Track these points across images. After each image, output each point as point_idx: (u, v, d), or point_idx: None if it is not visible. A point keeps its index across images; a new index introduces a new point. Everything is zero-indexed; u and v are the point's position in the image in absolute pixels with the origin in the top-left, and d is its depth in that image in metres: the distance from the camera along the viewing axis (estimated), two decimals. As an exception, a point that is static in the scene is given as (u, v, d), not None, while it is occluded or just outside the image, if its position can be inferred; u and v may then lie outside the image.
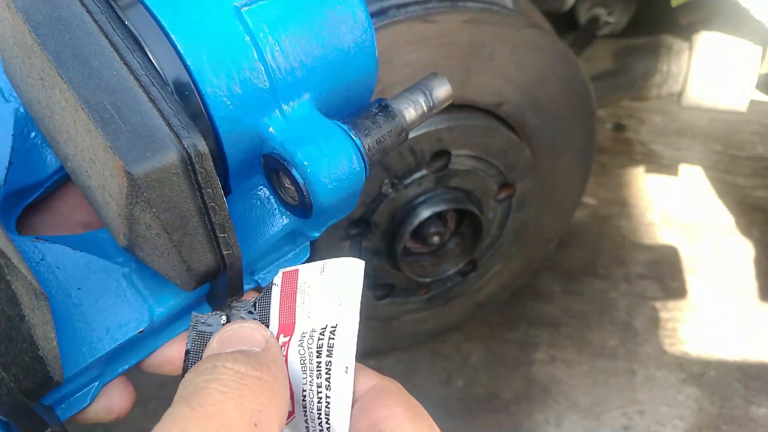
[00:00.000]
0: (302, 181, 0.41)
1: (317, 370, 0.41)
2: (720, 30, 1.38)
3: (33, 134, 0.47)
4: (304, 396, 0.41)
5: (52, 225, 0.49)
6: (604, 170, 2.11)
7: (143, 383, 1.55)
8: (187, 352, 0.43)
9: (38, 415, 0.39)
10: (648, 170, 2.13)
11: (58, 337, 0.39)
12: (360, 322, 0.43)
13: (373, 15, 0.88)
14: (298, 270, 0.42)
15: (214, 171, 0.37)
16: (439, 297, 1.18)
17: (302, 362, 0.41)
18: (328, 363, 0.41)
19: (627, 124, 2.35)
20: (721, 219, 1.93)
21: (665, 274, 1.74)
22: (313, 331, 0.41)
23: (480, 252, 1.14)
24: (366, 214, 0.98)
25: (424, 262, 1.11)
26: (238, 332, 0.40)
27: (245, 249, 0.44)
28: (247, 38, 0.40)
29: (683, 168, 2.14)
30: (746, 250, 1.81)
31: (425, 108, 0.47)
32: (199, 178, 0.37)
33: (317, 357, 0.41)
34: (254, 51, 0.40)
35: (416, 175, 0.97)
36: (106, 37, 0.37)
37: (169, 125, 0.36)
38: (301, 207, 0.43)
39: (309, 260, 1.00)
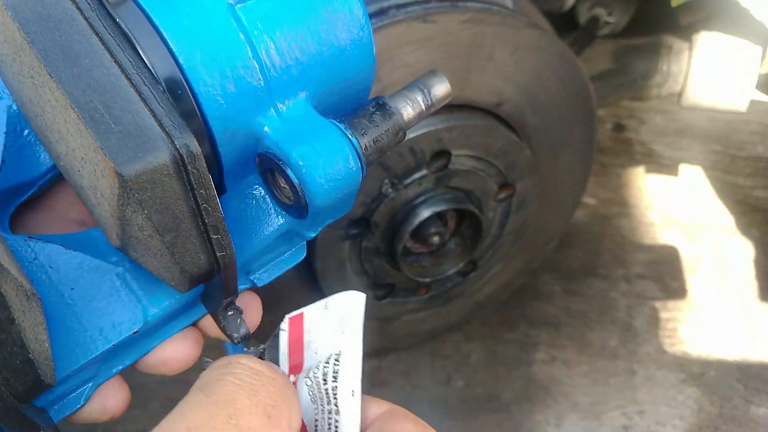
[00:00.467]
0: (297, 182, 0.41)
1: (326, 397, 0.41)
2: (720, 30, 1.39)
3: (26, 132, 0.46)
4: (317, 425, 0.41)
5: (47, 223, 0.49)
6: (604, 170, 2.11)
7: (144, 383, 1.56)
8: None
9: (29, 418, 0.38)
10: (648, 170, 2.13)
11: (51, 337, 0.39)
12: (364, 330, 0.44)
13: (372, 15, 0.88)
14: (302, 313, 0.42)
15: (207, 172, 0.37)
16: (439, 297, 1.18)
17: (311, 393, 0.41)
18: (335, 388, 0.41)
19: (627, 124, 2.35)
20: (721, 219, 1.93)
21: (665, 274, 1.74)
22: (319, 362, 0.42)
23: (480, 252, 1.14)
24: (366, 214, 0.98)
25: (424, 262, 1.11)
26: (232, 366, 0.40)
27: (240, 249, 0.44)
28: (241, 36, 0.40)
29: (683, 168, 2.14)
30: (746, 250, 1.81)
31: (423, 106, 0.46)
32: (192, 179, 0.36)
33: (324, 384, 0.41)
34: (248, 49, 0.40)
35: (416, 175, 0.97)
36: (97, 34, 0.36)
37: (160, 125, 0.36)
38: (297, 207, 0.43)
39: (308, 261, 1.00)
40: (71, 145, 0.38)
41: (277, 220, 0.46)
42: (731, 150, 2.21)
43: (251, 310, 0.51)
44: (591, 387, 1.43)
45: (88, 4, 0.37)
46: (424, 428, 0.42)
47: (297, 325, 0.43)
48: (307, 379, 0.41)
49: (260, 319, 0.51)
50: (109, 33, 0.37)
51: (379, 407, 0.44)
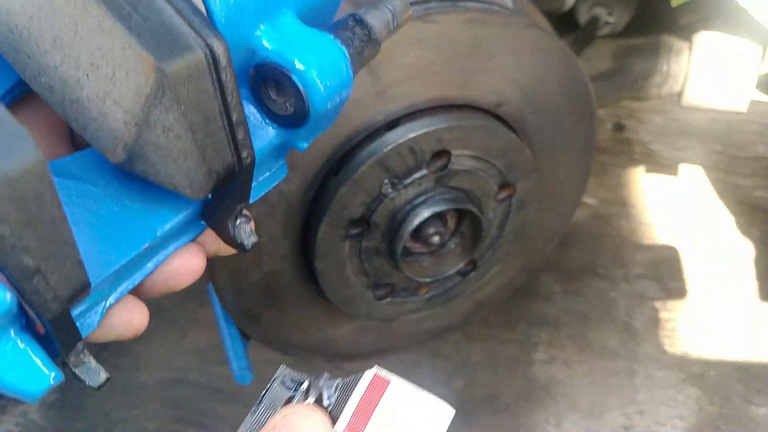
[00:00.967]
0: (302, 87, 0.43)
1: None
2: (720, 30, 1.39)
3: None
4: None
5: None
6: (604, 170, 2.11)
7: (144, 383, 1.56)
8: (261, 398, 0.44)
9: (75, 324, 0.39)
10: (648, 170, 2.13)
11: None
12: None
13: (372, 15, 0.88)
14: (390, 382, 0.42)
15: (233, 71, 0.38)
16: (439, 297, 1.18)
17: None
18: None
19: (627, 124, 2.35)
20: (721, 219, 1.93)
21: (665, 274, 1.74)
22: None
23: (480, 252, 1.14)
24: (366, 214, 0.98)
25: (424, 262, 1.11)
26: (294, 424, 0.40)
27: None
28: None
29: (683, 168, 2.14)
30: (746, 249, 1.81)
31: (392, 24, 0.50)
32: (222, 78, 0.38)
33: None
34: None
35: (416, 175, 0.97)
36: None
37: (190, 24, 0.36)
38: (296, 115, 0.45)
39: (308, 260, 1.00)
40: (75, 51, 0.37)
41: (269, 134, 0.47)
42: (731, 150, 2.21)
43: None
44: (591, 387, 1.44)
45: None
46: None
47: (378, 388, 0.41)
48: None
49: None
50: None
51: None
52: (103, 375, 0.41)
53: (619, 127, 2.33)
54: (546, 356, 1.51)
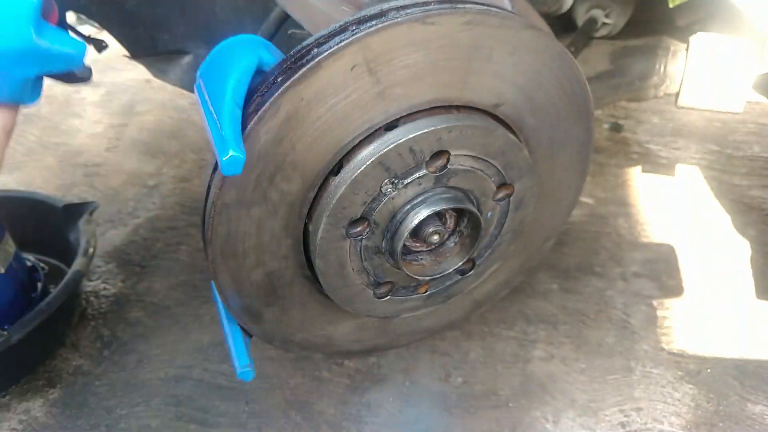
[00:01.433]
0: None
1: None
2: (716, 31, 1.40)
3: None
4: None
5: None
6: (601, 170, 2.13)
7: (147, 380, 1.57)
8: None
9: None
10: (645, 170, 2.15)
11: None
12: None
13: (373, 17, 0.89)
14: None
15: None
16: (438, 295, 1.19)
17: None
18: None
19: (624, 124, 2.36)
20: (718, 218, 1.94)
21: (662, 272, 1.76)
22: None
23: (479, 250, 1.16)
24: (366, 213, 0.99)
25: (423, 261, 1.12)
26: None
27: None
28: None
29: (680, 167, 2.15)
30: (742, 248, 1.83)
31: None
32: None
33: None
34: None
35: (416, 175, 0.98)
36: None
37: None
38: None
39: (309, 259, 1.00)
40: None
41: None
42: (727, 150, 2.23)
43: None
44: (588, 384, 1.45)
45: None
46: None
47: None
48: None
49: None
50: None
51: None
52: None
53: (616, 127, 2.34)
54: (544, 353, 1.52)
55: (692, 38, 1.39)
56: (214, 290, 1.03)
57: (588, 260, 1.79)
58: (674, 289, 1.70)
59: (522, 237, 1.21)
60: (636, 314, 1.63)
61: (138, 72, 2.53)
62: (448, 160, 0.99)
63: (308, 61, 0.85)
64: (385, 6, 0.90)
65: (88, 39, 1.24)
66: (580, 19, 1.55)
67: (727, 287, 1.70)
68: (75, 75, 0.55)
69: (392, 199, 0.99)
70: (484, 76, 0.97)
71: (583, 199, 1.99)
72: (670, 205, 1.99)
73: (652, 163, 2.16)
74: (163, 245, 1.89)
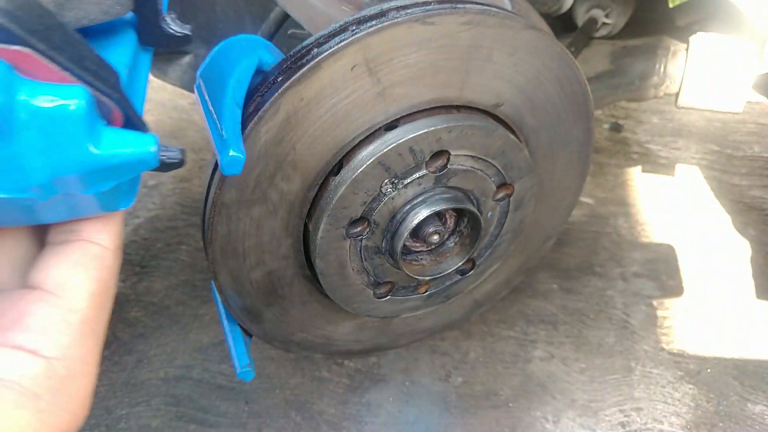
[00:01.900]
0: None
1: None
2: (716, 31, 1.40)
3: None
4: None
5: None
6: (601, 170, 2.13)
7: (147, 380, 1.57)
8: None
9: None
10: (645, 170, 2.15)
11: None
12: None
13: (373, 17, 0.89)
14: None
15: None
16: (438, 295, 1.19)
17: None
18: None
19: (624, 124, 2.36)
20: (718, 218, 1.94)
21: (662, 272, 1.76)
22: None
23: (479, 250, 1.16)
24: (366, 213, 0.99)
25: (423, 261, 1.12)
26: None
27: None
28: None
29: (680, 168, 2.15)
30: (742, 248, 1.83)
31: None
32: None
33: None
34: None
35: (416, 175, 0.98)
36: None
37: None
38: None
39: (309, 259, 1.01)
40: None
41: None
42: (727, 150, 2.23)
43: None
44: (588, 384, 1.45)
45: None
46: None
47: None
48: None
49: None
50: None
51: None
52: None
53: (616, 127, 2.34)
54: (544, 353, 1.52)
55: (692, 38, 1.39)
56: (214, 290, 1.03)
57: (588, 260, 1.79)
58: (674, 289, 1.70)
59: (522, 237, 1.21)
60: (636, 314, 1.63)
61: (138, 72, 2.53)
62: (448, 160, 0.99)
63: (308, 61, 0.85)
64: (385, 6, 0.90)
65: None
66: (580, 19, 1.55)
67: (727, 287, 1.71)
68: (166, 164, 0.48)
69: (392, 199, 0.99)
70: (484, 76, 0.97)
71: (583, 199, 1.99)
72: (670, 205, 1.99)
73: (652, 163, 2.16)
74: (163, 245, 1.89)
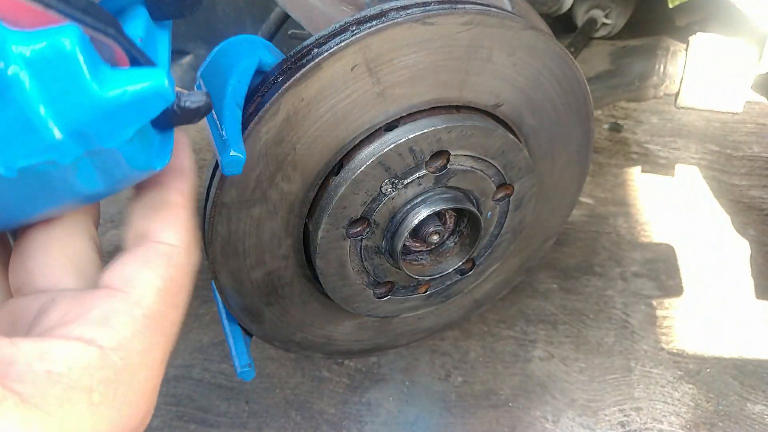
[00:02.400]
0: None
1: None
2: (716, 31, 1.40)
3: None
4: None
5: None
6: (601, 170, 2.13)
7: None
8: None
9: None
10: (644, 170, 2.15)
11: None
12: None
13: (373, 17, 0.89)
14: None
15: None
16: (438, 295, 1.19)
17: None
18: None
19: (624, 124, 2.36)
20: (717, 218, 1.94)
21: (661, 272, 1.76)
22: None
23: (479, 250, 1.16)
24: (366, 213, 0.99)
25: (423, 261, 1.12)
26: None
27: None
28: None
29: (679, 168, 2.15)
30: (742, 248, 1.83)
31: None
32: None
33: None
34: None
35: (416, 175, 0.98)
36: None
37: None
38: None
39: (309, 259, 1.01)
40: None
41: None
42: (727, 150, 2.23)
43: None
44: (588, 384, 1.45)
45: None
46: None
47: None
48: None
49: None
50: None
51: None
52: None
53: (615, 128, 2.35)
54: (543, 353, 1.52)
55: (692, 38, 1.39)
56: (214, 290, 1.04)
57: (588, 260, 1.80)
58: (674, 289, 1.70)
59: (522, 237, 1.21)
60: (636, 314, 1.63)
61: (138, 72, 2.53)
62: (448, 160, 0.99)
63: (308, 62, 0.85)
64: (385, 6, 0.90)
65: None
66: (580, 19, 1.55)
67: (726, 287, 1.71)
68: (190, 110, 0.42)
69: (392, 199, 0.99)
70: (483, 77, 0.97)
71: (583, 199, 1.99)
72: (670, 205, 1.99)
73: (652, 163, 2.17)
74: (163, 245, 1.89)
